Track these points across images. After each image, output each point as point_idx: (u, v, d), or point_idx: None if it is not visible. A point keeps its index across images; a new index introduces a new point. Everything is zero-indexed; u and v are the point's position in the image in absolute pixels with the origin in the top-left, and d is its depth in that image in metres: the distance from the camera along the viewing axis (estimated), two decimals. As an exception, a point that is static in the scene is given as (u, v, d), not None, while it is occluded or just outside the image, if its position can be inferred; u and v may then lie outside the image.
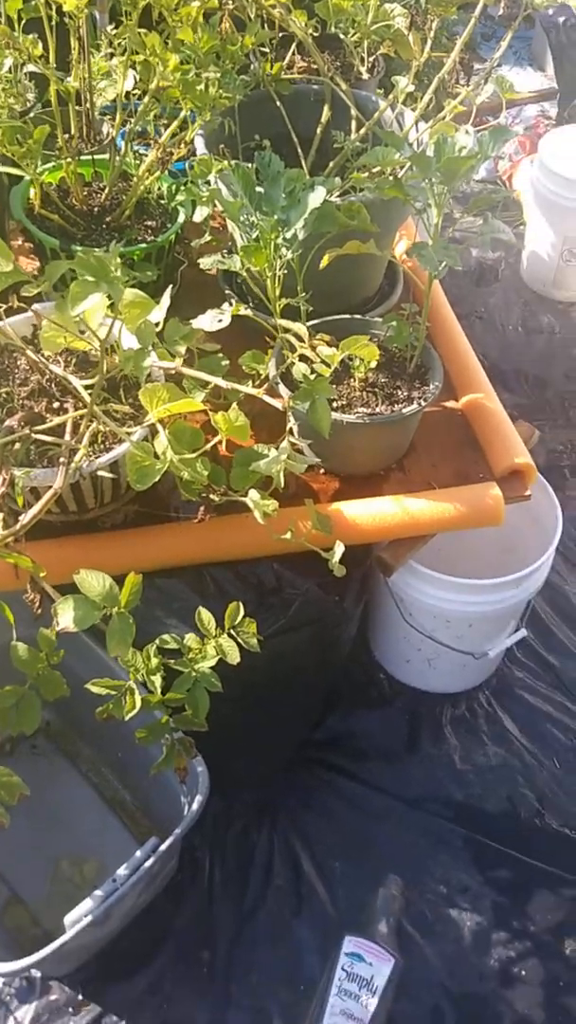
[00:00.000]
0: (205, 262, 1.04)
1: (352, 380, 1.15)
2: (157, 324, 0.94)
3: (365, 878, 1.20)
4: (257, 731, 1.22)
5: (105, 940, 1.10)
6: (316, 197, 0.91)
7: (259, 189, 0.96)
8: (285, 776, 1.32)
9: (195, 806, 0.98)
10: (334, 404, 1.12)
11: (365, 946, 1.08)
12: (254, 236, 0.96)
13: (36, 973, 1.11)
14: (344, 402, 1.13)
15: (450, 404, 1.28)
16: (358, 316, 1.22)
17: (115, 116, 1.41)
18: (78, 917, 0.91)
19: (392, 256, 1.45)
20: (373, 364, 1.13)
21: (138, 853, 0.96)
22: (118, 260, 0.87)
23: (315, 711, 1.37)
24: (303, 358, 0.95)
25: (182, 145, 1.30)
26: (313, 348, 0.94)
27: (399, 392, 1.13)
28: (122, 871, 0.95)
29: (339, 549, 0.99)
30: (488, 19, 3.50)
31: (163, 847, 0.96)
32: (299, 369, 0.92)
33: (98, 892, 0.93)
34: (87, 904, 0.92)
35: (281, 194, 0.95)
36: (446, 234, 1.11)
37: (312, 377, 0.90)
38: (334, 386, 1.14)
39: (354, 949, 1.08)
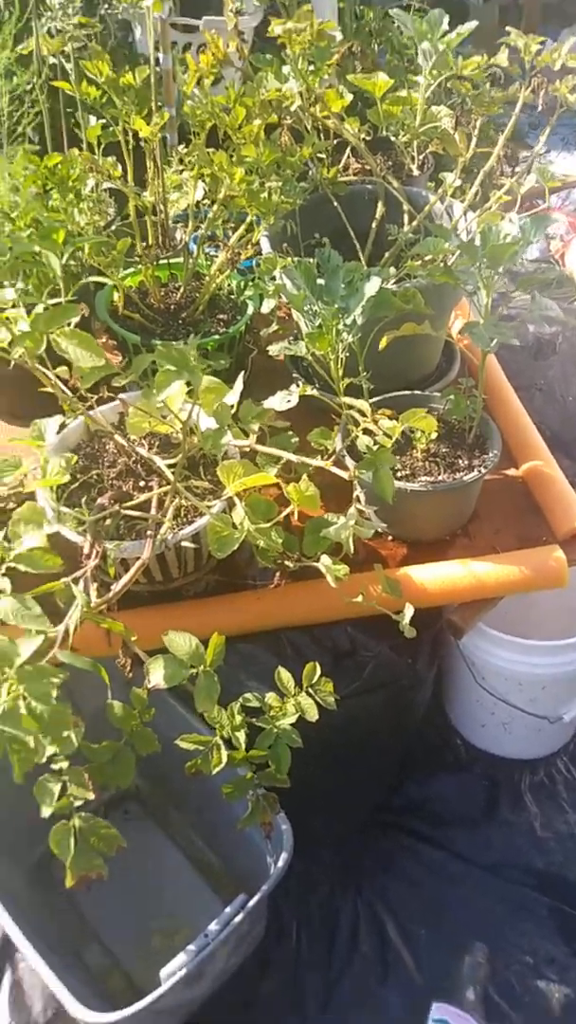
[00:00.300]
0: (273, 349, 1.14)
1: (415, 451, 1.22)
2: (232, 406, 1.03)
3: (449, 945, 1.19)
4: (335, 791, 1.25)
5: (196, 1003, 1.13)
6: (372, 286, 1.00)
7: (320, 281, 1.06)
8: (364, 840, 1.33)
9: (280, 863, 1.02)
10: (398, 474, 1.18)
11: (452, 1013, 1.08)
12: (317, 324, 1.05)
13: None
14: (408, 472, 1.19)
15: (511, 472, 1.33)
16: (418, 392, 1.30)
17: (187, 224, 1.56)
18: (172, 971, 0.94)
19: (448, 335, 1.53)
20: (434, 436, 1.19)
21: (228, 909, 1.00)
22: (195, 351, 0.97)
23: (391, 773, 1.39)
24: (366, 431, 1.03)
25: (249, 246, 1.42)
26: (375, 422, 1.01)
27: (460, 461, 1.19)
28: (213, 927, 0.98)
29: (409, 611, 1.05)
30: (533, 109, 3.68)
31: (252, 903, 0.99)
32: (363, 441, 0.99)
33: (191, 947, 0.96)
34: (180, 959, 0.95)
35: (340, 285, 1.04)
36: (498, 312, 1.19)
37: (375, 448, 0.97)
38: (398, 457, 1.21)
39: (442, 1016, 1.07)
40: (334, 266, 1.06)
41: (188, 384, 1.03)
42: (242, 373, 1.13)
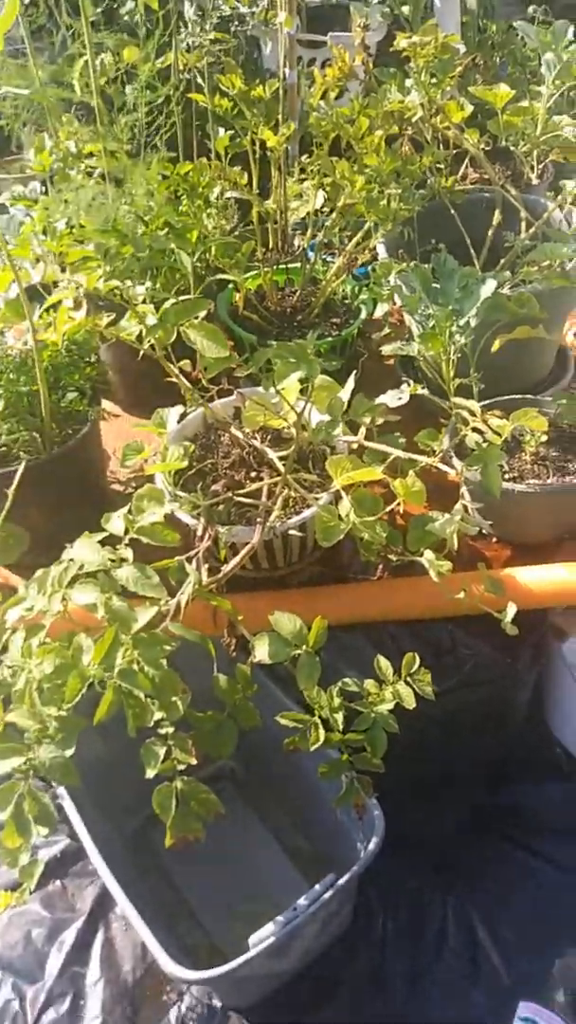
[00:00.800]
0: (387, 349, 1.17)
1: (523, 454, 1.23)
2: (343, 402, 1.07)
3: (540, 950, 1.18)
4: (433, 786, 1.27)
5: (283, 977, 1.16)
6: (487, 288, 1.02)
7: (435, 285, 1.09)
8: (461, 841, 1.33)
9: (372, 846, 1.04)
10: (506, 476, 1.20)
11: (541, 1012, 1.07)
12: (431, 325, 1.08)
13: (217, 1003, 1.18)
14: (516, 474, 1.20)
15: (621, 478, 1.31)
16: (529, 396, 1.30)
17: (306, 231, 1.62)
18: (259, 939, 0.98)
19: (563, 342, 1.53)
20: (543, 439, 1.20)
21: (317, 886, 1.03)
22: (312, 347, 1.02)
23: (490, 775, 1.39)
24: (476, 430, 1.05)
25: (366, 252, 1.46)
26: (485, 422, 1.03)
27: (570, 465, 1.20)
28: (302, 901, 1.01)
29: (511, 609, 1.06)
30: None
31: (342, 881, 1.02)
32: (472, 439, 1.01)
33: (280, 918, 1.00)
34: (269, 928, 0.99)
35: (455, 288, 1.07)
36: None
37: (484, 445, 0.99)
38: (506, 459, 1.22)
39: (529, 1014, 1.07)
40: (449, 270, 1.09)
41: (303, 381, 1.08)
42: (353, 373, 1.17)
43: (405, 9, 2.77)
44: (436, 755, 1.23)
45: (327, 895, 1.01)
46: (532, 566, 1.17)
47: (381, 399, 1.10)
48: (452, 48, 1.59)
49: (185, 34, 1.59)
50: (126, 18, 2.28)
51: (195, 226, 1.22)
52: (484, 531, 1.27)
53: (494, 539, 1.25)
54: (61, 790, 1.20)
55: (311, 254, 1.63)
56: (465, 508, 1.02)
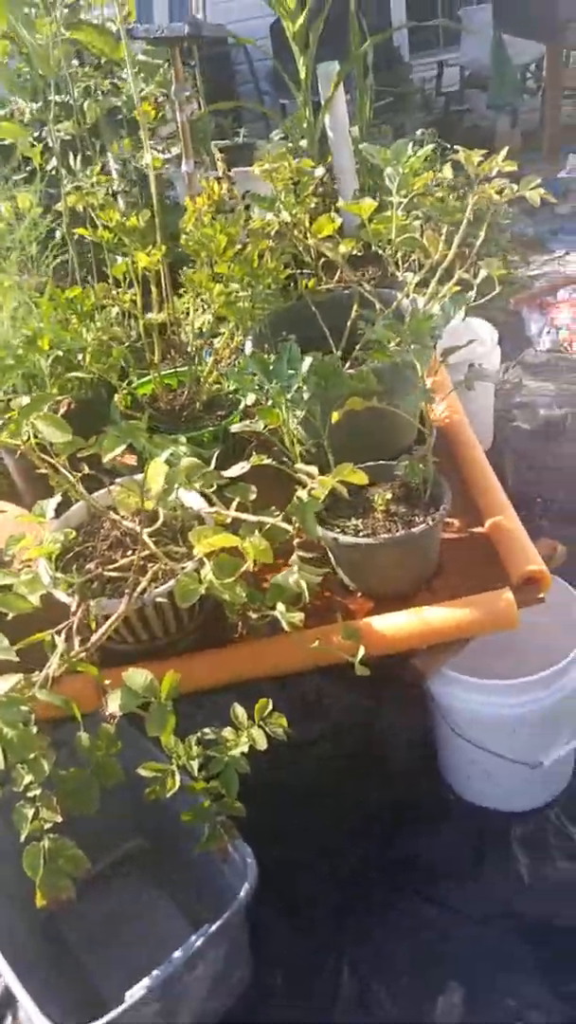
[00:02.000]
0: (234, 427, 1.30)
1: (376, 512, 1.33)
2: (194, 473, 1.19)
3: (431, 989, 1.20)
4: (325, 837, 1.30)
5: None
6: (306, 363, 1.15)
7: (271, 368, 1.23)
8: (356, 891, 1.36)
9: (242, 893, 1.08)
10: (360, 533, 1.30)
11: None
12: (268, 402, 1.21)
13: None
14: (370, 531, 1.30)
15: (477, 530, 1.42)
16: (383, 461, 1.42)
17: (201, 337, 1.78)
18: (134, 991, 1.00)
19: (425, 413, 1.66)
20: (389, 496, 1.31)
21: (192, 937, 1.06)
22: (182, 439, 1.15)
23: (382, 823, 1.42)
24: (309, 490, 1.15)
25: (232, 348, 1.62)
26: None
27: (416, 519, 1.30)
28: (177, 953, 1.04)
29: (360, 651, 1.14)
30: (556, 217, 3.91)
31: (212, 928, 1.05)
32: (299, 495, 1.12)
33: (156, 972, 1.03)
34: (144, 981, 1.02)
35: (286, 368, 1.20)
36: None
37: (307, 499, 1.10)
38: (361, 520, 1.32)
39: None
40: (282, 354, 1.22)
41: (170, 464, 1.20)
42: (215, 451, 1.29)
43: (304, 143, 3.09)
44: (325, 804, 1.27)
45: (199, 943, 1.04)
46: (387, 614, 1.26)
47: (229, 471, 1.21)
48: (306, 172, 1.81)
49: (70, 180, 1.80)
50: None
51: (60, 336, 1.37)
52: (349, 587, 1.37)
53: (359, 594, 1.34)
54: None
55: (208, 359, 1.79)
56: (300, 559, 1.12)
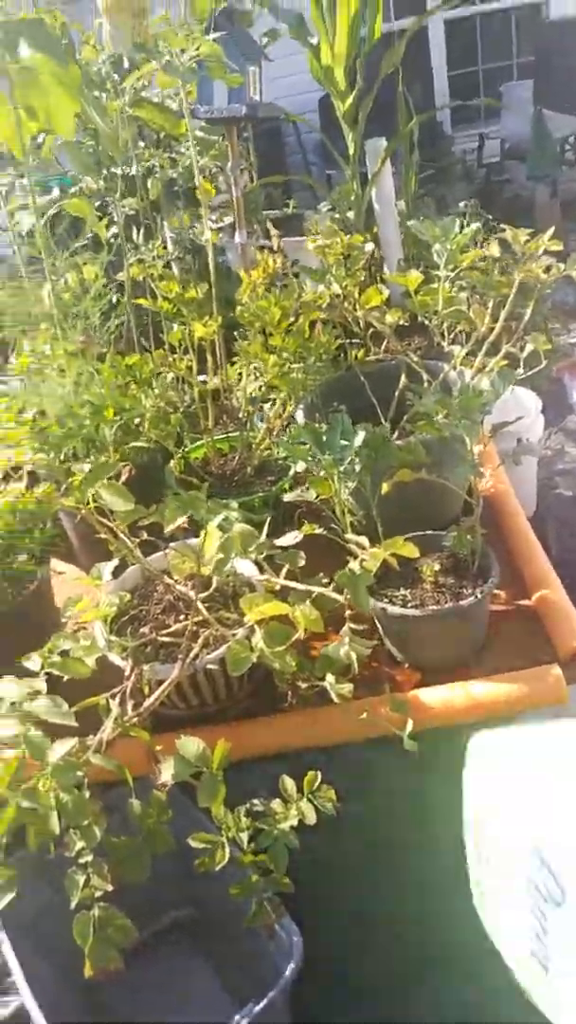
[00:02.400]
0: (288, 496, 1.32)
1: (424, 583, 1.34)
2: (248, 542, 1.21)
3: None
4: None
5: None
6: (359, 437, 1.18)
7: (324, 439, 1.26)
8: (408, 977, 1.33)
9: (288, 972, 1.07)
10: (408, 604, 1.31)
11: None
12: (320, 473, 1.24)
13: None
14: (417, 602, 1.31)
15: (524, 603, 1.42)
16: (431, 532, 1.43)
17: (254, 404, 1.83)
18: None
19: (474, 485, 1.68)
20: (437, 567, 1.32)
21: (236, 1016, 1.05)
22: (233, 504, 1.18)
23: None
24: (360, 560, 1.17)
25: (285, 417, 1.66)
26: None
27: (464, 591, 1.31)
28: (221, 1031, 1.03)
29: (408, 725, 1.14)
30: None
31: (257, 1008, 1.04)
32: (351, 567, 1.14)
33: (199, 1049, 1.02)
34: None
35: (338, 440, 1.23)
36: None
37: (359, 571, 1.12)
38: (409, 590, 1.34)
39: None
40: (334, 425, 1.26)
41: (223, 530, 1.23)
42: (266, 517, 1.32)
43: (351, 215, 3.19)
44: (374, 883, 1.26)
45: (244, 1022, 1.03)
46: (435, 686, 1.26)
47: (280, 540, 1.24)
48: (358, 246, 1.87)
49: (133, 252, 1.89)
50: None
51: (121, 403, 1.42)
52: (397, 657, 1.37)
53: (406, 665, 1.34)
54: (4, 941, 1.24)
55: (260, 424, 1.84)
56: (352, 631, 1.13)
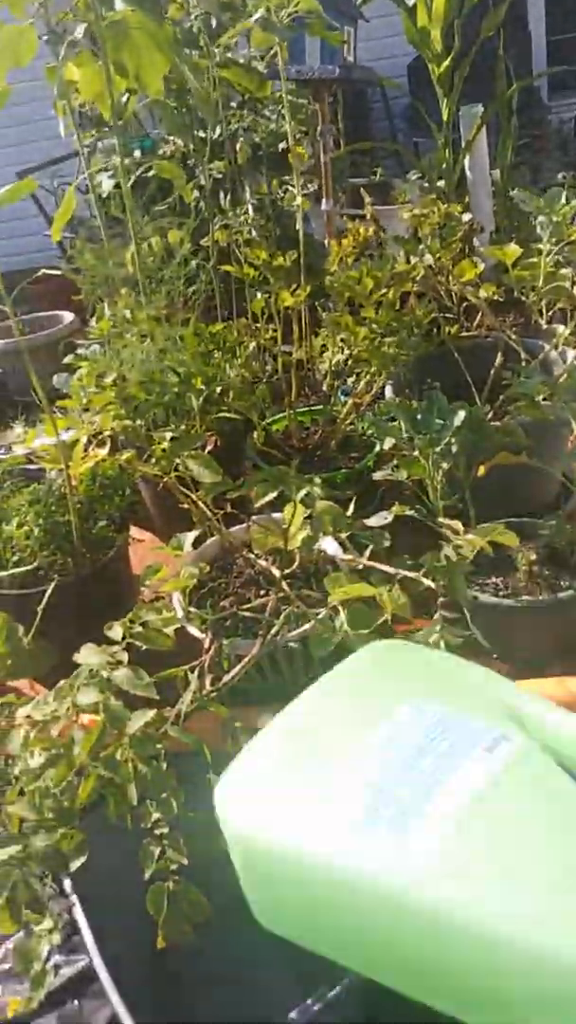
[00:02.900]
0: (377, 475, 1.28)
1: (518, 573, 1.28)
2: (335, 520, 1.17)
3: None
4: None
5: None
6: (459, 418, 1.13)
7: (419, 417, 1.21)
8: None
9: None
10: (500, 593, 1.25)
11: None
12: (414, 453, 1.19)
13: None
14: (510, 592, 1.26)
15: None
16: (527, 519, 1.37)
17: (338, 376, 1.79)
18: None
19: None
20: (533, 557, 1.26)
21: (308, 1000, 1.03)
22: (317, 480, 1.14)
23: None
24: (455, 546, 1.12)
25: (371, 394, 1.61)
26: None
27: (562, 583, 1.25)
28: (293, 1015, 1.02)
29: (498, 718, 1.09)
30: None
31: (331, 994, 1.02)
32: (445, 553, 1.09)
33: (268, 1031, 1.00)
34: (257, 1041, 0.99)
35: (434, 419, 1.18)
36: None
37: (455, 558, 1.07)
38: (501, 579, 1.28)
39: None
40: (431, 404, 1.20)
41: (306, 505, 1.19)
42: (354, 498, 1.28)
43: (441, 184, 3.08)
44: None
45: (316, 1008, 1.01)
46: (524, 680, 1.20)
47: (369, 521, 1.20)
48: (456, 216, 1.79)
49: (219, 217, 1.85)
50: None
51: (206, 372, 1.39)
52: (484, 647, 1.32)
53: (495, 656, 1.29)
54: (75, 904, 1.24)
55: (343, 398, 1.79)
56: (444, 619, 1.09)
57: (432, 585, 1.10)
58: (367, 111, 5.47)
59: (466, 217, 1.82)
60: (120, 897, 1.26)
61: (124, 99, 2.37)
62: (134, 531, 1.51)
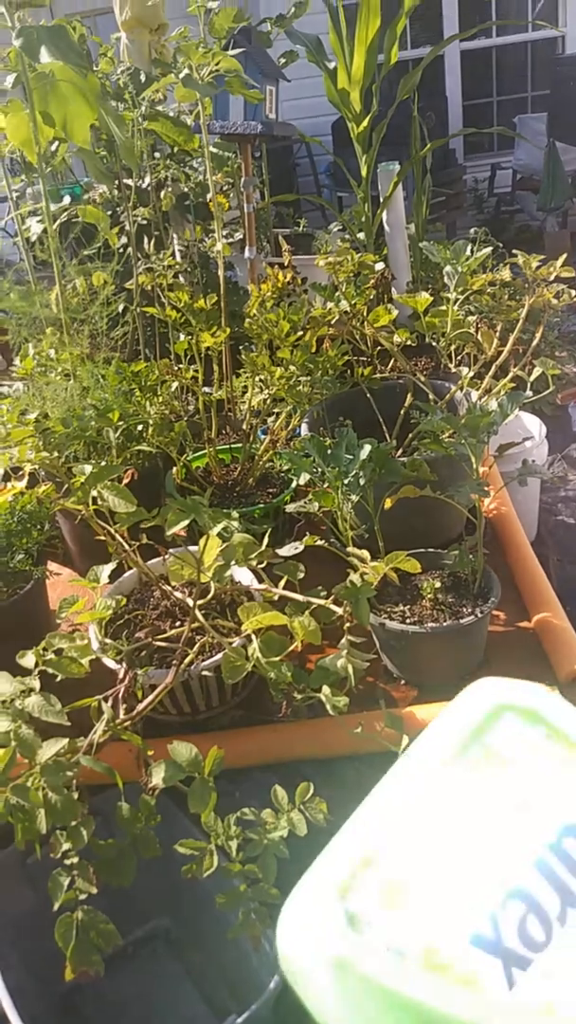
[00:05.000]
0: (290, 507, 1.32)
1: (424, 601, 1.34)
2: (247, 551, 1.21)
3: None
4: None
5: None
6: (364, 451, 1.18)
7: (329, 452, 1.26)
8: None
9: (272, 984, 1.05)
10: (407, 620, 1.30)
11: None
12: (324, 485, 1.24)
13: None
14: (416, 618, 1.31)
15: (523, 624, 1.42)
16: (431, 550, 1.43)
17: (257, 415, 1.84)
18: None
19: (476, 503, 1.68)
20: (438, 585, 1.32)
21: (217, 1028, 1.03)
22: (234, 514, 1.18)
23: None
24: (362, 574, 1.17)
25: (290, 430, 1.66)
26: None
27: (464, 609, 1.31)
28: (201, 1045, 1.02)
29: (403, 742, 1.13)
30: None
31: (239, 1021, 1.02)
32: (352, 579, 1.14)
33: (178, 1063, 1.00)
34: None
35: (344, 454, 1.24)
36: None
37: (360, 584, 1.11)
38: (408, 607, 1.33)
39: None
40: (340, 439, 1.26)
41: (224, 538, 1.23)
42: (267, 528, 1.32)
43: (361, 236, 3.21)
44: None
45: (225, 1035, 1.01)
46: (432, 704, 1.25)
47: (281, 550, 1.24)
48: (368, 265, 1.88)
49: (143, 261, 1.90)
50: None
51: (126, 408, 1.42)
52: (393, 673, 1.37)
53: (402, 681, 1.34)
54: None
55: (262, 436, 1.84)
56: (351, 643, 1.13)
57: (341, 612, 1.15)
58: (293, 166, 5.67)
59: (379, 266, 1.91)
60: (31, 939, 1.24)
61: (54, 146, 2.43)
62: (52, 566, 1.52)
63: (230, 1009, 1.33)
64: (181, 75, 1.93)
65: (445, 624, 1.26)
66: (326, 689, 1.16)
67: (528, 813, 0.79)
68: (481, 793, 0.82)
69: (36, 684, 1.01)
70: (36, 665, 1.04)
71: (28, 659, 1.05)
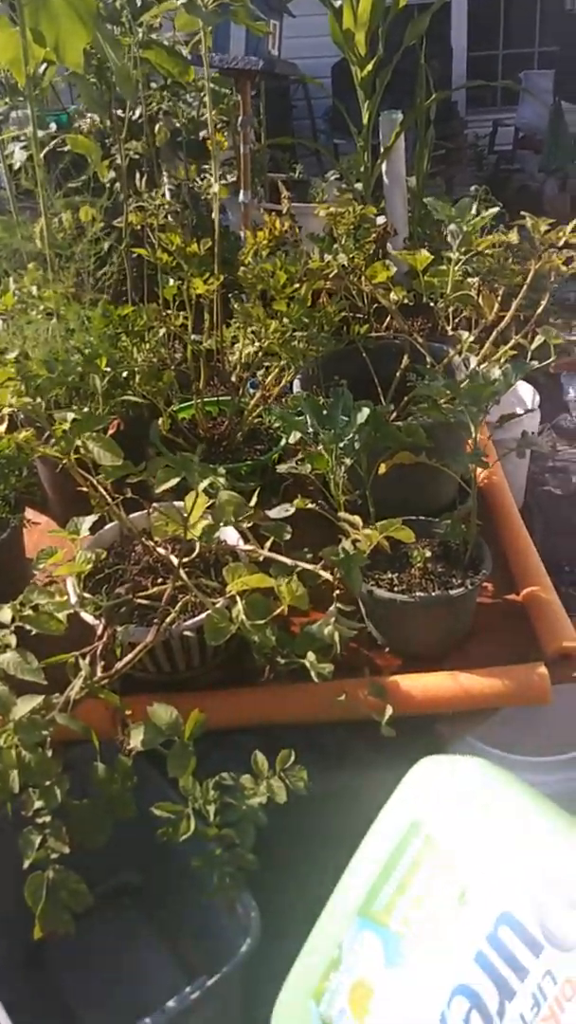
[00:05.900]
0: (281, 468, 1.28)
1: (413, 569, 1.31)
2: (236, 510, 1.17)
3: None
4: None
5: None
6: (362, 415, 1.14)
7: (325, 412, 1.22)
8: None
9: (244, 947, 1.04)
10: (395, 588, 1.28)
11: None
12: (318, 447, 1.20)
13: None
14: (404, 587, 1.28)
15: (511, 597, 1.40)
16: (423, 518, 1.40)
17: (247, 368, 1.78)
18: (123, 1042, 0.97)
19: (471, 472, 1.65)
20: (428, 554, 1.29)
21: (187, 988, 1.02)
22: (221, 471, 1.14)
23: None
24: (354, 541, 1.14)
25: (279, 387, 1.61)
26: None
27: (454, 580, 1.28)
28: (171, 1003, 1.01)
29: (387, 712, 1.12)
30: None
31: (210, 982, 1.02)
32: (344, 546, 1.10)
33: (147, 1020, 0.99)
34: (134, 1032, 0.98)
35: (340, 415, 1.19)
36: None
37: (352, 552, 1.08)
38: (396, 574, 1.31)
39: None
40: (336, 400, 1.21)
41: (210, 495, 1.18)
42: (258, 489, 1.28)
43: (358, 186, 3.11)
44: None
45: (194, 995, 1.01)
46: (416, 673, 1.23)
47: (271, 512, 1.20)
48: (370, 219, 1.82)
49: (134, 199, 1.81)
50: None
51: (113, 354, 1.36)
52: (378, 641, 1.35)
53: (387, 650, 1.32)
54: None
55: (252, 390, 1.79)
56: (340, 611, 1.10)
57: (330, 578, 1.12)
58: (289, 109, 5.49)
59: (380, 220, 1.84)
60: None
61: (42, 69, 2.30)
62: (29, 514, 1.47)
63: (197, 965, 1.33)
64: (183, 0, 1.82)
65: (434, 594, 1.23)
66: (311, 655, 1.13)
67: (467, 906, 0.81)
68: (425, 888, 0.85)
69: (13, 640, 0.97)
70: (12, 620, 1.00)
71: (4, 613, 1.01)
